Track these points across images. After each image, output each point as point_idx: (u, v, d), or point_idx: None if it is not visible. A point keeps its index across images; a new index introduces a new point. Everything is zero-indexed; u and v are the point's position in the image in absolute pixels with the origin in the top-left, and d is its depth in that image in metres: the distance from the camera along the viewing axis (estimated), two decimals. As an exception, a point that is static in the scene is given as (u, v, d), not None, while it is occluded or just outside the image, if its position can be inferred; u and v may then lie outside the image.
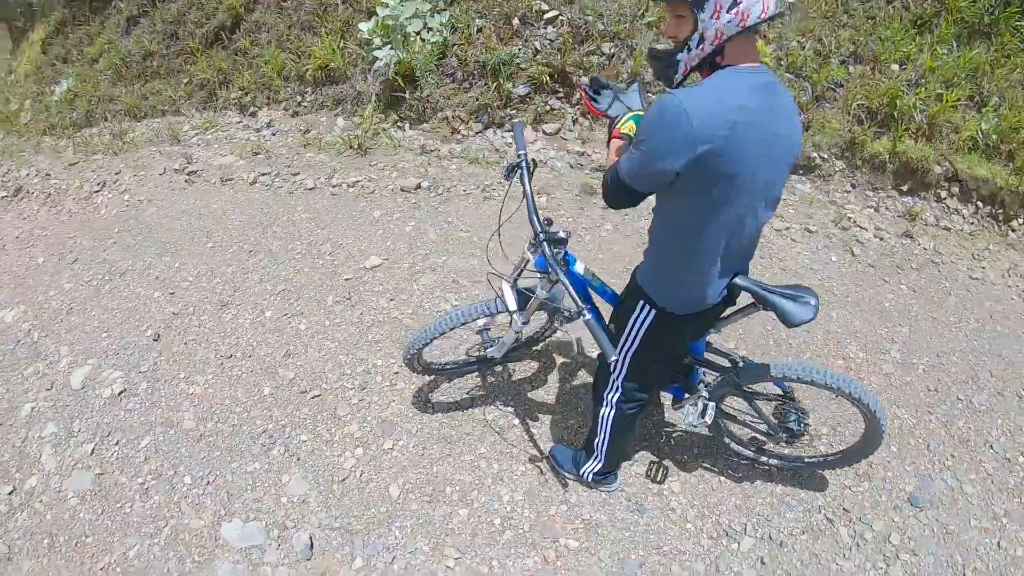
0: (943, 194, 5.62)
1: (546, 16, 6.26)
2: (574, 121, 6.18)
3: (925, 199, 5.66)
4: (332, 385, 4.32)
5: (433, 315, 4.70)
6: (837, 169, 5.79)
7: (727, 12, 2.02)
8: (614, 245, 5.25)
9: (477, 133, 6.32)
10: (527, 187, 2.91)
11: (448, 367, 4.11)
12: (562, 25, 6.23)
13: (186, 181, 6.50)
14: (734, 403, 3.48)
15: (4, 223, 6.87)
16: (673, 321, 2.66)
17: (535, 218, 2.84)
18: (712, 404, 3.18)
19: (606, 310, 3.17)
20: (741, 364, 3.15)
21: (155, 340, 4.85)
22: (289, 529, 3.60)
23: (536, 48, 6.20)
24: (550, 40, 6.23)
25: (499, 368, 4.32)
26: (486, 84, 6.27)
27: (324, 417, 4.13)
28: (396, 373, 4.33)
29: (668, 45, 2.24)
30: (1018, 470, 3.88)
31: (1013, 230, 5.56)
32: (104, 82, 8.72)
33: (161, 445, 4.15)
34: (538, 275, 3.06)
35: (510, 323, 3.32)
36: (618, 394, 3.08)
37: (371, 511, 3.64)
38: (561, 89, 6.19)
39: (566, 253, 2.93)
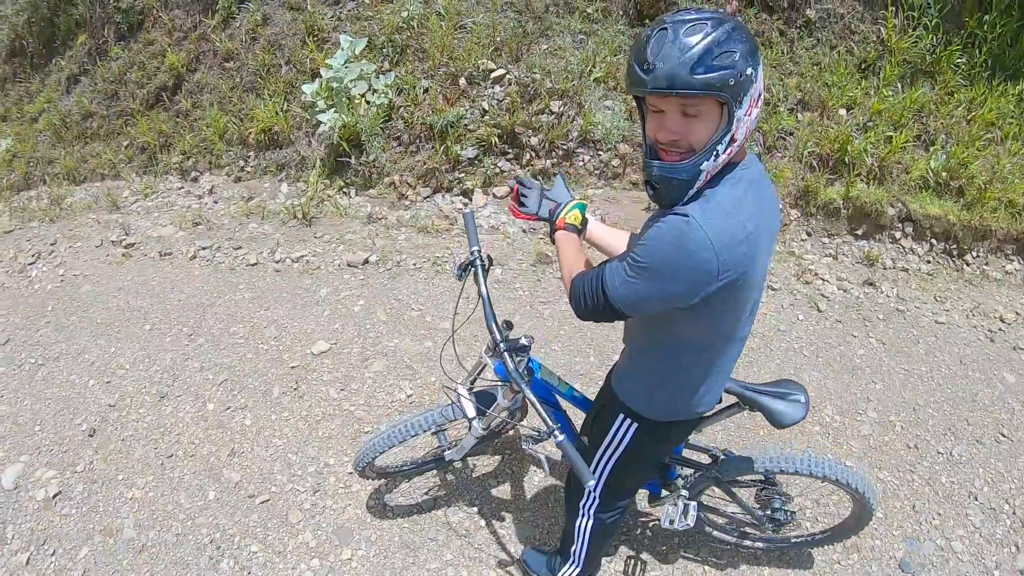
0: (898, 235, 5.64)
1: (493, 75, 6.16)
2: (525, 184, 6.08)
3: (881, 241, 5.67)
4: (282, 488, 4.08)
5: (387, 406, 4.49)
6: (792, 218, 5.76)
7: (757, 107, 1.79)
8: (576, 320, 5.04)
9: (425, 198, 6.18)
10: (483, 288, 2.67)
11: (404, 468, 3.85)
12: (509, 84, 6.13)
13: (123, 254, 6.28)
14: (714, 491, 3.32)
15: None
16: (658, 430, 2.47)
17: (494, 324, 2.60)
18: (694, 504, 3.02)
19: (575, 414, 3.04)
20: (722, 458, 3.00)
21: (90, 435, 4.61)
22: (242, 653, 3.39)
23: (484, 108, 6.09)
24: (498, 100, 6.13)
25: (460, 464, 4.11)
26: (433, 147, 6.14)
27: (275, 524, 3.89)
28: (350, 473, 4.09)
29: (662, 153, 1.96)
30: (1004, 519, 3.84)
31: (968, 264, 5.62)
32: (43, 143, 8.47)
33: (100, 556, 3.92)
34: (498, 382, 2.86)
35: (469, 429, 3.09)
36: (596, 504, 2.88)
37: (330, 631, 3.42)
38: (511, 150, 6.08)
39: (529, 360, 2.72)
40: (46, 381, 5.14)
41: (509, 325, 2.68)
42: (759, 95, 1.77)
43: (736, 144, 1.79)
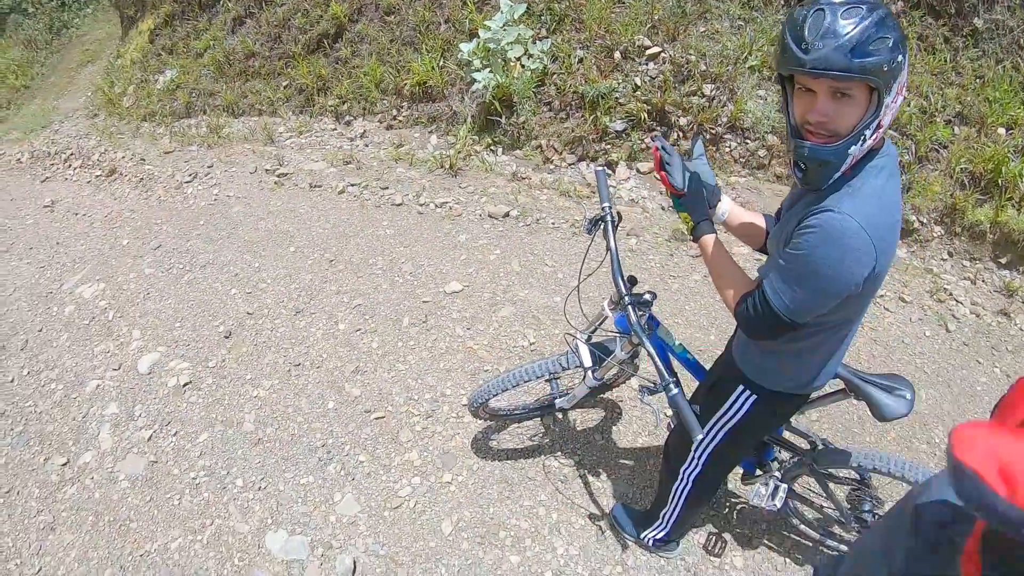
0: (1044, 270, 5.32)
1: (648, 52, 6.14)
2: (669, 162, 6.04)
3: (1024, 273, 5.36)
4: (397, 409, 4.20)
5: (508, 349, 4.56)
6: (935, 235, 5.52)
7: (902, 95, 1.77)
8: (703, 296, 5.03)
9: (570, 165, 6.22)
10: (611, 243, 2.67)
11: (515, 412, 3.89)
12: (664, 63, 6.11)
13: (275, 182, 6.55)
14: (806, 483, 3.25)
15: (95, 201, 7.05)
16: (776, 402, 2.46)
17: (620, 278, 2.61)
18: (784, 487, 2.98)
19: (684, 376, 2.98)
20: (820, 447, 2.94)
21: (226, 337, 4.86)
22: (334, 549, 3.50)
23: (636, 84, 6.08)
24: (651, 77, 6.11)
25: (566, 416, 4.12)
26: (583, 116, 6.17)
27: (385, 440, 4.01)
28: (464, 405, 4.17)
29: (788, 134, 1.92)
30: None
31: (1114, 315, 5.23)
32: (206, 77, 8.89)
33: (218, 443, 4.14)
34: (617, 334, 2.87)
35: (583, 378, 3.11)
36: (698, 471, 2.85)
37: (420, 544, 3.50)
38: (659, 128, 6.05)
39: (650, 316, 2.73)
40: (191, 285, 5.43)
41: (633, 280, 2.69)
42: (904, 83, 1.75)
43: (881, 130, 1.78)
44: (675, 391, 2.24)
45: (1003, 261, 5.36)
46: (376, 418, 4.13)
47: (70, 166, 8.04)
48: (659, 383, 2.33)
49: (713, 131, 5.90)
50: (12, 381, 4.99)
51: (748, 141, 5.85)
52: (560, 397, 3.44)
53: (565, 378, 3.50)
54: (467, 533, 3.53)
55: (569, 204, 5.86)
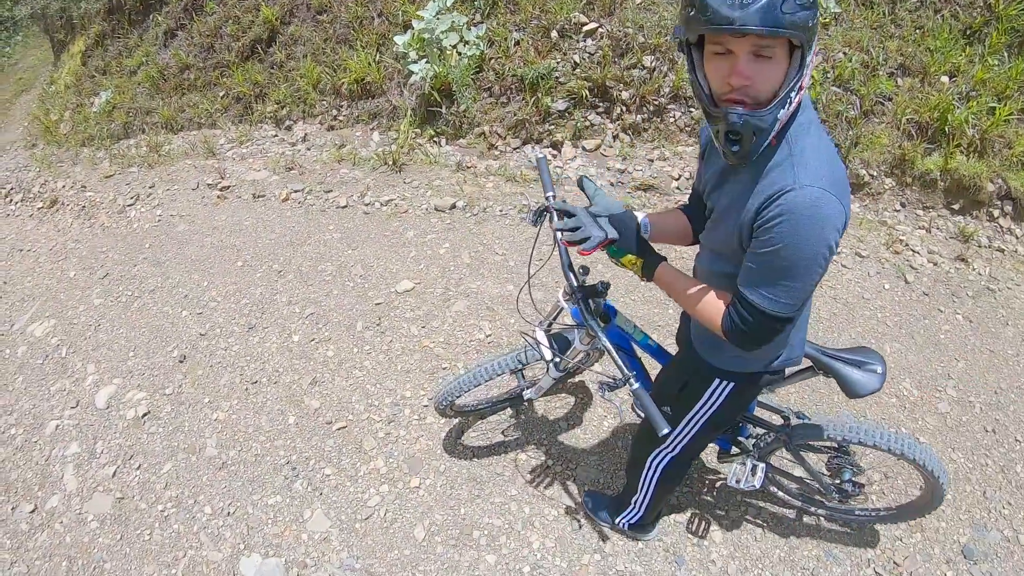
0: (996, 213, 5.31)
1: (585, 29, 6.07)
2: (614, 137, 5.98)
3: (978, 218, 5.34)
4: (359, 417, 4.15)
5: (465, 344, 4.51)
6: (886, 187, 5.51)
7: (818, 53, 1.71)
8: None
9: (515, 149, 6.15)
10: (558, 233, 2.56)
11: (481, 407, 3.84)
12: (602, 38, 6.04)
13: (218, 196, 6.44)
14: (784, 455, 3.21)
15: (39, 235, 6.92)
16: (753, 383, 2.40)
17: (570, 270, 2.52)
18: (762, 466, 2.92)
19: (650, 363, 2.95)
20: (794, 421, 2.88)
21: (181, 361, 4.77)
22: (309, 568, 3.46)
23: (575, 62, 6.01)
24: (589, 53, 6.04)
25: (533, 406, 4.08)
26: (524, 99, 6.10)
27: (349, 451, 3.96)
28: (425, 406, 4.14)
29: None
30: (1080, 518, 3.62)
31: (1070, 248, 5.26)
32: (142, 94, 8.69)
33: (182, 472, 4.07)
34: (575, 324, 2.81)
35: (546, 370, 3.08)
36: (667, 461, 2.81)
37: (394, 553, 3.46)
38: (601, 104, 6.00)
39: (606, 304, 2.66)
40: (141, 312, 5.33)
41: (586, 270, 2.59)
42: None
43: (803, 91, 1.71)
44: (636, 385, 2.16)
45: (956, 207, 5.38)
46: (338, 428, 4.08)
47: (11, 201, 7.84)
48: (619, 378, 2.28)
49: (656, 102, 5.85)
50: None
51: (692, 109, 5.81)
52: (527, 388, 3.39)
53: (529, 369, 3.41)
54: (441, 537, 3.50)
55: (516, 190, 5.80)
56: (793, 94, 1.66)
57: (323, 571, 3.43)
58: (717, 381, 2.37)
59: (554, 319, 2.89)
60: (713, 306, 2.04)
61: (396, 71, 6.73)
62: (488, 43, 6.34)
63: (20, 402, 4.94)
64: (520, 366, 3.12)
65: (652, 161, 5.70)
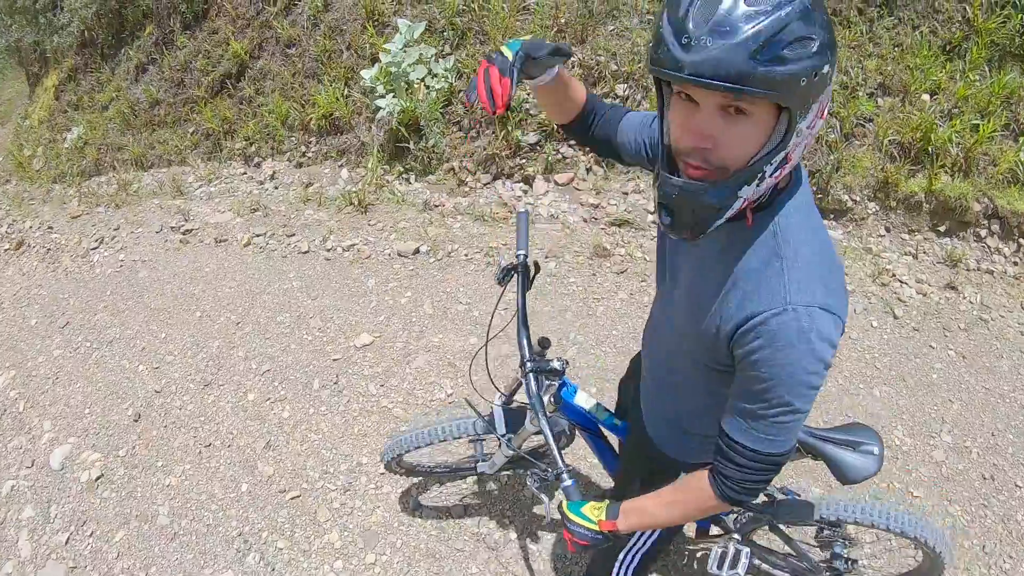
0: (983, 233, 5.15)
1: (556, 59, 5.92)
2: (587, 170, 5.81)
3: (964, 239, 5.17)
4: (313, 485, 3.95)
5: (425, 404, 4.30)
6: (870, 212, 5.35)
7: (822, 118, 1.30)
8: (630, 318, 4.75)
9: (485, 185, 5.97)
10: (521, 299, 2.36)
11: (436, 471, 3.56)
12: (573, 67, 5.89)
13: (180, 240, 6.29)
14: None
15: (3, 279, 6.84)
16: None
17: (525, 340, 2.29)
18: (746, 551, 2.47)
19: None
20: (779, 499, 2.59)
21: (135, 420, 4.62)
22: (260, 651, 3.28)
23: (545, 93, 5.86)
24: (561, 84, 5.89)
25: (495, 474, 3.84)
26: (494, 133, 5.94)
27: (303, 522, 3.76)
28: (382, 474, 3.92)
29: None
30: (1078, 569, 3.41)
31: (1060, 267, 5.08)
32: (113, 130, 8.56)
33: (135, 541, 3.90)
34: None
35: (499, 446, 2.82)
36: (638, 558, 2.44)
37: (346, 639, 3.27)
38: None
39: (564, 383, 2.38)
40: (99, 365, 5.18)
41: (546, 343, 2.36)
42: (828, 103, 1.26)
43: (789, 165, 1.30)
44: (568, 482, 1.95)
45: (942, 229, 5.22)
46: (292, 498, 3.88)
47: (-22, 241, 7.75)
48: (548, 471, 2.09)
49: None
50: None
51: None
52: (482, 461, 3.11)
53: (489, 440, 3.11)
54: (396, 620, 3.28)
55: (484, 230, 5.59)
56: (769, 168, 1.25)
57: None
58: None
59: (514, 392, 2.66)
60: (698, 492, 1.67)
61: (364, 106, 6.57)
62: (457, 75, 6.19)
63: None
64: (475, 434, 2.88)
65: (627, 194, 5.53)
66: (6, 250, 7.30)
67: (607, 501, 1.86)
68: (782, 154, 1.24)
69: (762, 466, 1.52)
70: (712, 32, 1.08)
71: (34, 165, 9.25)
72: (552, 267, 5.17)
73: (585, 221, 5.53)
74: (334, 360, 4.69)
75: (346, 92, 6.71)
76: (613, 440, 2.65)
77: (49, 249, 6.93)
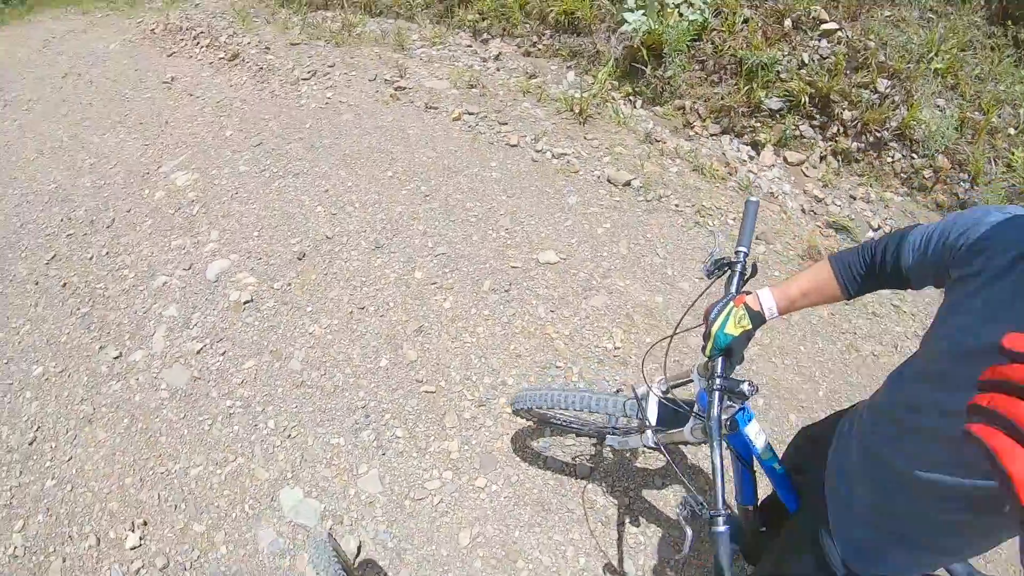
0: None
1: (823, 27, 5.35)
2: (822, 157, 5.27)
3: None
4: (451, 386, 3.73)
5: (589, 348, 3.90)
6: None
7: None
8: (823, 339, 4.08)
9: (712, 135, 5.53)
10: (734, 292, 2.01)
11: (558, 421, 3.24)
12: (839, 43, 5.31)
13: (392, 95, 6.15)
14: None
15: (212, 84, 6.91)
16: None
17: (721, 354, 1.95)
18: None
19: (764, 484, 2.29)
20: None
21: (299, 259, 4.59)
22: (344, 525, 3.19)
23: (803, 60, 5.31)
24: (821, 56, 5.32)
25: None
26: (736, 84, 5.47)
27: (428, 419, 3.58)
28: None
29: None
30: None
31: None
32: (340, -29, 8.48)
33: (262, 374, 3.91)
34: (694, 409, 2.13)
35: (640, 432, 2.48)
36: None
37: (431, 548, 3.09)
38: (818, 117, 5.29)
39: (743, 409, 2.05)
40: (279, 193, 5.16)
41: (740, 359, 1.99)
42: None
43: None
44: (722, 529, 1.66)
45: None
46: (426, 391, 3.71)
47: (198, 44, 7.87)
48: (703, 507, 1.78)
49: (878, 134, 5.09)
50: (91, 259, 5.00)
51: (915, 156, 5.00)
52: (613, 433, 2.83)
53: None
54: (483, 551, 3.10)
55: (700, 184, 5.11)
56: None
57: (356, 534, 3.15)
58: None
59: (679, 385, 2.35)
60: None
61: (609, 14, 6.18)
62: (715, 12, 5.70)
63: (141, 245, 5.00)
64: (618, 414, 2.57)
65: (854, 199, 4.96)
66: (220, 59, 7.41)
67: None
68: None
69: None
70: None
71: (266, -17, 9.32)
72: (760, 251, 4.65)
73: (804, 212, 5.00)
74: (512, 267, 4.40)
75: (594, -6, 6.33)
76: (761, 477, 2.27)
77: (261, 68, 6.96)
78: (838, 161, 5.24)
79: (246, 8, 8.58)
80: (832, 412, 2.08)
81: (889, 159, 5.10)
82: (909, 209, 4.89)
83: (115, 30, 9.17)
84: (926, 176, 4.97)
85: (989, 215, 1.32)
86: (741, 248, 2.05)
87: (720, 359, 1.90)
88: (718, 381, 1.89)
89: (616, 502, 3.23)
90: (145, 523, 3.32)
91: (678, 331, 2.14)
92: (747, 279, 2.05)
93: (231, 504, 3.32)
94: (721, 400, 1.89)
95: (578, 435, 3.40)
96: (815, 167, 5.24)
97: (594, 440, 3.42)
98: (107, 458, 3.63)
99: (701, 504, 1.80)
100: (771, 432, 3.44)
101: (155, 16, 9.11)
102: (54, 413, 3.92)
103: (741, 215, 2.17)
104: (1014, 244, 1.22)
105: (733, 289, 1.99)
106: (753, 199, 2.12)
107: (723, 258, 2.08)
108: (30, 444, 3.78)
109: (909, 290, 1.66)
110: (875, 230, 4.79)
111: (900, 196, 5.02)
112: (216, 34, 7.93)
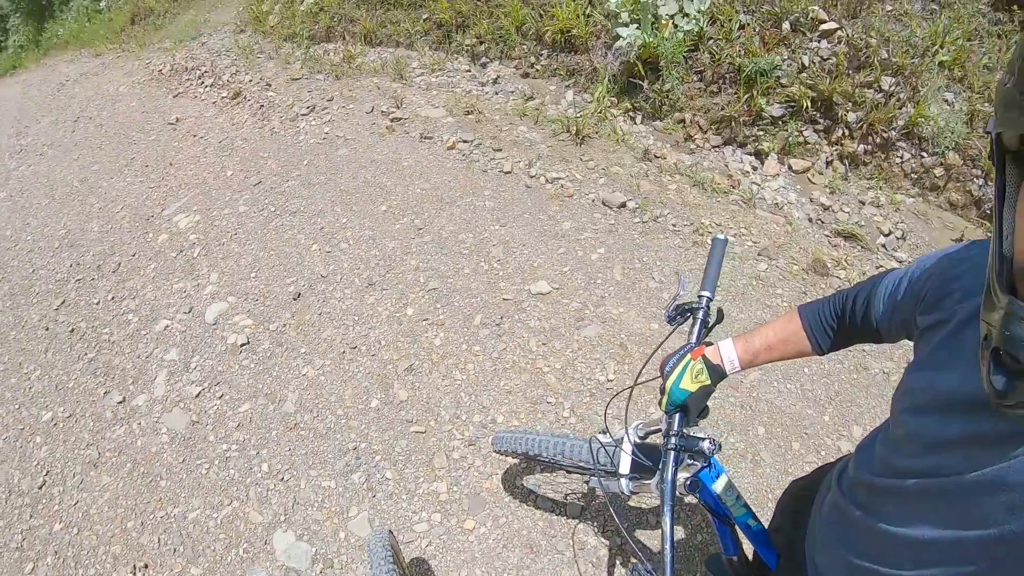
0: None
1: (822, 27, 5.23)
2: (828, 163, 5.14)
3: None
4: (441, 425, 3.66)
5: (582, 381, 3.76)
6: None
7: None
8: (831, 361, 3.83)
9: (714, 148, 5.42)
10: (694, 342, 1.88)
11: (552, 461, 2.86)
12: (839, 42, 5.19)
13: (387, 127, 6.16)
14: None
15: (215, 124, 6.99)
16: None
17: (676, 409, 1.80)
18: None
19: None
20: None
21: (295, 299, 4.60)
22: (334, 568, 3.14)
23: (803, 63, 5.19)
24: (821, 58, 5.20)
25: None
26: (736, 93, 5.36)
27: (418, 461, 3.51)
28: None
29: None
30: None
31: None
32: (349, 2, 8.50)
33: (257, 418, 3.91)
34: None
35: (617, 480, 2.24)
36: None
37: (420, 592, 3.01)
38: (821, 120, 5.16)
39: (710, 464, 1.89)
40: (277, 232, 5.19)
41: (704, 412, 1.85)
42: None
43: None
44: None
45: None
46: (415, 431, 3.64)
47: (202, 83, 8.02)
48: (654, 574, 1.66)
49: (885, 134, 4.95)
50: (98, 303, 5.06)
51: (924, 155, 4.85)
52: (596, 475, 2.53)
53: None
54: (472, 595, 3.00)
55: (700, 200, 4.97)
56: None
57: None
58: None
59: (653, 432, 2.19)
60: None
61: (604, 30, 6.12)
62: (710, 20, 5.61)
63: (145, 289, 5.06)
64: (590, 465, 2.43)
65: (863, 204, 4.80)
66: (223, 97, 7.52)
67: None
68: None
69: None
70: None
71: (270, 20, 9.40)
72: (762, 269, 4.47)
73: (811, 221, 4.84)
74: (504, 299, 4.31)
75: (588, 11, 6.28)
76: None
77: (262, 106, 7.02)
78: (845, 165, 5.10)
79: (250, 45, 8.68)
80: (817, 467, 1.93)
81: (898, 160, 4.96)
82: (920, 210, 4.75)
83: (124, 72, 9.39)
84: (937, 175, 4.83)
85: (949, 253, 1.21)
86: (704, 293, 1.95)
87: (677, 415, 1.77)
88: (672, 440, 1.76)
89: (607, 542, 3.11)
90: (146, 566, 3.32)
91: (638, 382, 1.99)
92: (711, 327, 1.93)
93: (227, 547, 3.31)
94: (677, 460, 1.76)
95: (568, 472, 3.26)
96: (821, 173, 5.11)
97: (585, 477, 3.29)
98: (111, 502, 3.66)
99: (650, 571, 1.69)
100: (773, 462, 3.32)
101: (163, 56, 9.28)
102: (62, 457, 3.97)
103: (707, 253, 2.02)
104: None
105: (693, 339, 1.87)
106: (720, 237, 2.00)
107: (685, 304, 1.96)
108: (39, 488, 3.83)
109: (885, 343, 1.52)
110: (886, 235, 4.65)
111: (911, 198, 4.87)
112: (219, 72, 8.06)
